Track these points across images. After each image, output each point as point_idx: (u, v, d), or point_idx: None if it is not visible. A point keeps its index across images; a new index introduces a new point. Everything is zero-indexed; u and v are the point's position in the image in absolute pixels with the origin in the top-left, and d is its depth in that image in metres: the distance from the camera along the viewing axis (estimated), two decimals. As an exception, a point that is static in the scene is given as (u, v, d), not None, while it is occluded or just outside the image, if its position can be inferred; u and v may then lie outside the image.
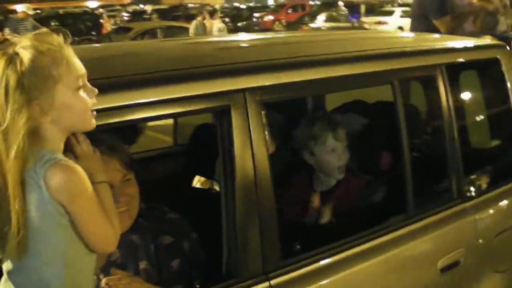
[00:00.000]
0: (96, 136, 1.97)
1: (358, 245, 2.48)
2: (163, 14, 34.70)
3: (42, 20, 20.94)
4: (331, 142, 2.96)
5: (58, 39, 1.68)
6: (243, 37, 3.86)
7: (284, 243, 2.24)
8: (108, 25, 26.41)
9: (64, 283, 1.69)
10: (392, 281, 2.58)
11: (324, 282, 2.30)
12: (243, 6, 48.67)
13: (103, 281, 2.00)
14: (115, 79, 2.02)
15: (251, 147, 2.15)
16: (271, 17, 34.39)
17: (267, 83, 2.20)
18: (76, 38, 21.46)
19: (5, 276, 1.74)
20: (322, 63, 2.39)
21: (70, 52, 1.68)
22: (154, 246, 2.27)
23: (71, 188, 1.63)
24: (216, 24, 16.20)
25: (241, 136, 2.13)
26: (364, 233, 2.54)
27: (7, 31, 11.97)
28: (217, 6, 49.22)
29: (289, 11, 35.79)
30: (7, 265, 1.73)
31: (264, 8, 43.13)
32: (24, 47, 1.62)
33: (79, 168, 1.66)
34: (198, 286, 2.18)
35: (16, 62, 1.60)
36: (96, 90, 1.71)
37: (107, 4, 54.02)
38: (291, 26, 26.99)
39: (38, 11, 34.36)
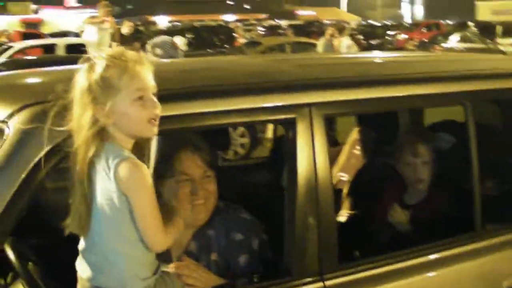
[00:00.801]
0: (185, 136, 2.40)
1: (419, 256, 2.59)
2: (298, 29, 35.10)
3: (178, 32, 21.92)
4: (408, 157, 3.10)
5: (132, 55, 1.97)
6: (329, 56, 4.04)
7: (342, 247, 2.40)
8: (241, 39, 27.14)
9: (125, 264, 1.97)
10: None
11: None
12: (378, 24, 48.43)
13: (171, 265, 2.25)
14: (194, 89, 2.29)
15: (313, 157, 2.34)
16: (404, 36, 34.05)
17: (330, 99, 2.40)
18: (209, 50, 22.31)
19: (80, 254, 2.05)
20: (383, 83, 2.55)
21: (138, 68, 1.95)
22: (226, 241, 2.51)
23: (135, 182, 1.91)
24: (344, 41, 16.29)
25: (305, 146, 2.33)
26: (428, 246, 2.65)
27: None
28: (353, 24, 49.35)
29: (424, 30, 35.35)
30: (81, 244, 2.04)
31: (398, 26, 42.73)
32: (101, 58, 1.94)
33: (144, 167, 1.94)
34: (257, 280, 2.38)
35: (91, 69, 1.93)
36: (157, 103, 1.96)
37: (243, 19, 55.52)
38: (423, 45, 26.62)
39: (177, 23, 35.87)
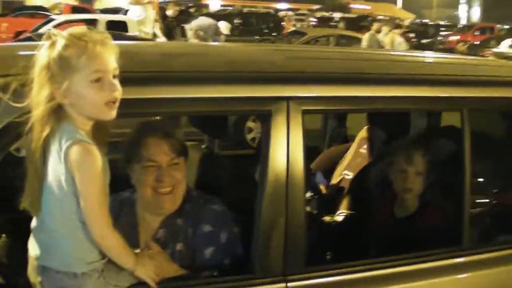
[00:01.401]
0: (154, 122, 2.34)
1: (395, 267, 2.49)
2: (350, 23, 34.64)
3: (224, 16, 21.89)
4: (401, 165, 2.98)
5: (94, 36, 1.92)
6: (330, 50, 3.93)
7: (309, 249, 2.31)
8: (289, 28, 26.96)
9: (71, 246, 1.94)
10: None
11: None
12: (431, 23, 47.66)
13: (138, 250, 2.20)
14: (171, 74, 2.23)
15: (287, 151, 2.25)
16: (456, 37, 33.47)
17: (309, 94, 2.30)
18: (256, 37, 22.24)
19: (31, 233, 2.01)
20: (367, 81, 2.44)
21: (99, 49, 1.89)
22: (193, 232, 2.45)
23: (83, 166, 1.87)
24: (390, 37, 16.03)
25: (279, 140, 2.25)
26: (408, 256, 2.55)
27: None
28: (406, 21, 48.64)
29: (476, 33, 34.66)
30: (33, 223, 2.01)
31: (452, 27, 41.98)
32: (62, 37, 1.89)
33: (95, 151, 1.89)
34: (217, 274, 2.32)
35: (52, 47, 1.89)
36: (116, 86, 1.90)
37: (296, 8, 55.14)
38: (473, 48, 26.13)
39: (227, 8, 35.81)
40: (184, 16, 19.11)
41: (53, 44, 1.89)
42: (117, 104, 1.92)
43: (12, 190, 2.28)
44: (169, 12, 15.28)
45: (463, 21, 70.23)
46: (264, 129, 2.28)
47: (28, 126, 1.89)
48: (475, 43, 28.92)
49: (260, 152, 2.30)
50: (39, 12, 31.36)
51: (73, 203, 1.90)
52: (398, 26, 18.09)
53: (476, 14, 79.33)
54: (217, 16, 20.03)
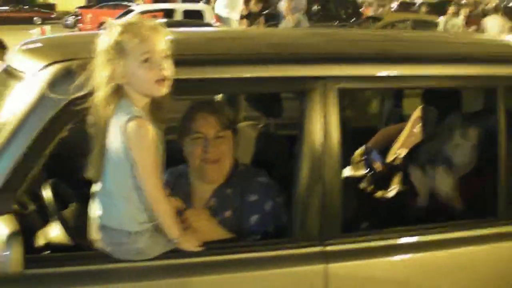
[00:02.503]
0: (205, 99, 2.75)
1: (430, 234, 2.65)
2: (432, 7, 33.95)
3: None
4: (456, 138, 3.12)
5: (147, 23, 2.19)
6: (369, 32, 4.05)
7: (345, 217, 2.51)
8: (368, 13, 26.80)
9: (126, 207, 2.21)
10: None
11: (378, 260, 2.54)
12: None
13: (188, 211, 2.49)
14: (217, 56, 2.48)
15: (324, 126, 2.46)
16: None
17: (345, 74, 2.50)
18: (334, 23, 22.21)
19: (92, 197, 2.31)
20: (398, 61, 2.62)
21: (149, 33, 2.15)
22: (241, 201, 2.69)
23: (138, 139, 2.13)
24: (491, 21, 15.46)
25: (316, 116, 2.45)
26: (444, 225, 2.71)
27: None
28: (493, 3, 47.21)
29: None
30: (94, 187, 2.30)
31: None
32: (118, 25, 2.17)
33: (148, 127, 2.15)
34: (260, 238, 2.54)
35: (110, 34, 2.16)
36: (164, 65, 2.15)
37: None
38: None
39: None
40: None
41: (110, 32, 2.16)
42: (167, 81, 2.17)
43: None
44: (253, 7, 15.25)
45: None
46: (303, 106, 2.48)
47: (93, 105, 2.16)
48: None
49: (299, 127, 2.50)
50: (122, 3, 32.33)
51: (128, 170, 2.17)
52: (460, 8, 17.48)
53: None
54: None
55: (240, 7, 12.47)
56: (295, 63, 2.48)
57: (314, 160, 2.45)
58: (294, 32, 3.58)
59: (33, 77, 2.28)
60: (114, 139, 2.17)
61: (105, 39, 2.16)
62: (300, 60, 2.50)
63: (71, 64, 2.24)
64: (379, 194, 3.75)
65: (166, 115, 2.31)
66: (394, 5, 38.17)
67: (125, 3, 32.15)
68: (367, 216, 3.04)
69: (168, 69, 2.17)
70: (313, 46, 2.79)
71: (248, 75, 2.42)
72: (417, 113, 4.20)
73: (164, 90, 2.18)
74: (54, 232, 2.62)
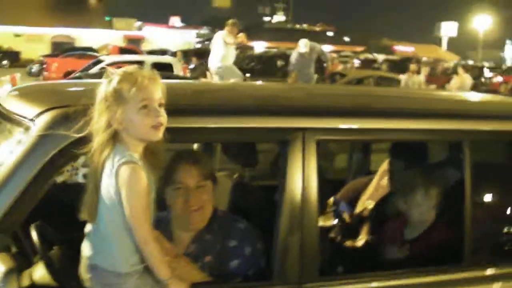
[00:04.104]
0: (185, 149, 2.66)
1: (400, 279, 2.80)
2: (393, 65, 34.83)
3: (270, 58, 22.39)
4: (420, 199, 3.30)
5: (144, 72, 2.34)
6: (346, 88, 4.27)
7: (324, 261, 2.65)
8: (335, 69, 27.38)
9: (118, 249, 2.31)
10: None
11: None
12: (475, 65, 47.57)
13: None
14: (200, 107, 2.63)
15: (303, 175, 2.61)
16: (500, 79, 33.42)
17: (324, 126, 2.67)
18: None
19: (85, 237, 2.41)
20: (374, 115, 2.81)
21: (147, 82, 2.30)
22: (220, 246, 2.81)
23: (127, 184, 2.24)
24: (419, 78, 16.43)
25: (296, 165, 2.61)
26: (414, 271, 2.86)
27: None
28: (451, 63, 48.64)
29: (520, 74, 34.58)
30: (87, 228, 2.40)
31: (496, 68, 41.92)
32: (117, 74, 2.32)
33: (140, 172, 2.27)
34: (239, 281, 2.66)
35: (109, 82, 2.31)
36: (160, 112, 2.30)
37: (340, 50, 55.77)
38: (516, 90, 26.05)
39: (271, 50, 36.40)
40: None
41: (110, 80, 2.31)
42: (162, 128, 2.32)
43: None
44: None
45: (508, 63, 69.83)
46: (283, 156, 2.64)
47: (91, 150, 2.29)
48: (517, 84, 28.81)
49: (279, 176, 2.65)
50: (87, 53, 32.51)
51: (120, 213, 2.28)
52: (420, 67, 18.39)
53: (521, 55, 78.74)
54: (262, 58, 20.54)
55: (232, 59, 12.88)
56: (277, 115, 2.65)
57: (294, 207, 2.60)
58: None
59: (32, 121, 2.40)
60: (107, 181, 2.28)
61: (104, 88, 2.31)
62: (282, 112, 2.67)
63: (68, 110, 2.37)
64: (348, 243, 3.91)
65: (161, 161, 2.45)
66: (357, 61, 39.13)
67: (90, 53, 32.38)
68: (339, 262, 3.20)
69: (164, 116, 2.32)
70: (294, 99, 2.97)
71: (232, 125, 2.57)
72: (384, 166, 4.41)
73: (160, 135, 2.32)
74: (39, 273, 2.71)
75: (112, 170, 2.26)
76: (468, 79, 15.88)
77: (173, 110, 2.42)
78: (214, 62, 12.77)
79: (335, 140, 2.92)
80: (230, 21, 12.73)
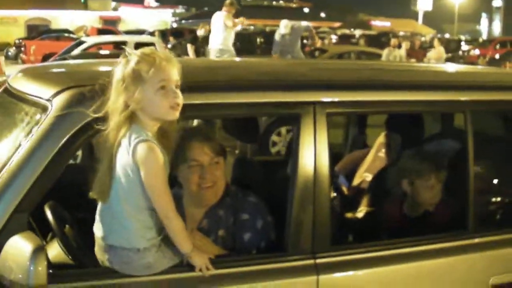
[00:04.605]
0: (197, 127, 2.68)
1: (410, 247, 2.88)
2: (371, 40, 34.95)
3: (248, 36, 22.37)
4: (433, 182, 3.36)
5: (161, 53, 2.36)
6: (348, 62, 4.33)
7: (334, 232, 2.72)
8: (316, 45, 27.39)
9: (134, 226, 2.36)
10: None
11: (368, 271, 2.74)
12: (452, 38, 47.90)
13: None
14: (213, 83, 2.68)
15: (314, 147, 2.68)
16: (477, 51, 33.69)
17: (333, 99, 2.73)
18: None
19: (97, 218, 2.44)
20: (381, 87, 2.88)
21: (164, 63, 2.33)
22: (233, 220, 2.87)
23: (147, 162, 2.29)
24: (400, 52, 16.61)
25: (307, 137, 2.67)
26: (421, 239, 2.94)
27: None
28: (427, 36, 48.91)
29: (497, 46, 34.83)
30: (99, 209, 2.44)
31: (473, 41, 42.21)
32: (135, 55, 2.34)
33: (157, 150, 2.31)
34: (255, 253, 2.73)
35: (126, 63, 2.33)
36: (178, 93, 2.34)
37: (317, 26, 55.72)
38: (494, 62, 26.34)
39: (249, 27, 36.31)
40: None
41: (127, 61, 2.33)
42: (179, 108, 2.35)
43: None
44: (200, 32, 15.69)
45: (484, 35, 70.26)
46: (295, 129, 2.69)
47: (107, 129, 2.32)
48: (495, 56, 29.13)
49: (291, 148, 2.71)
50: (64, 35, 32.21)
51: (136, 190, 2.32)
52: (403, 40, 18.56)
53: (497, 28, 79.29)
54: (242, 35, 20.49)
55: (231, 42, 12.88)
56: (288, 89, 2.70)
57: (307, 180, 2.66)
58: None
59: (49, 101, 2.43)
60: (123, 160, 2.31)
61: (121, 68, 2.33)
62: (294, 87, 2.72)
63: (85, 89, 2.40)
64: (349, 215, 3.99)
65: (172, 143, 2.49)
66: (334, 37, 39.15)
67: (67, 35, 32.09)
68: (346, 232, 3.28)
69: (181, 97, 2.35)
70: (304, 74, 3.03)
71: (245, 100, 2.62)
72: (380, 139, 4.48)
73: (177, 114, 2.36)
74: (53, 252, 2.75)
75: (129, 148, 2.29)
76: (443, 51, 16.09)
77: (187, 86, 2.46)
78: (214, 44, 12.72)
79: (344, 113, 2.95)
80: (228, 1, 12.67)
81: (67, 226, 2.99)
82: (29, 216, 2.36)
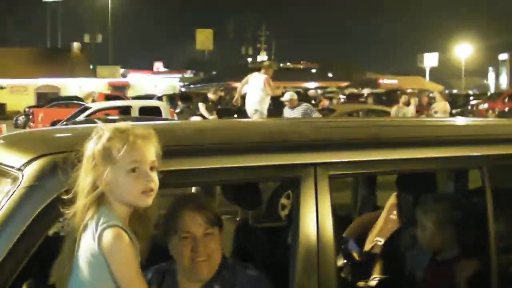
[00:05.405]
0: (187, 194, 2.42)
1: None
2: (379, 97, 35.02)
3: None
4: (429, 225, 3.12)
5: (137, 130, 2.12)
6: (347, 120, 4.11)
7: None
8: (324, 105, 27.49)
9: None
10: None
11: None
12: (460, 93, 48.06)
13: None
14: (201, 147, 2.45)
15: (316, 213, 2.43)
16: (486, 105, 33.65)
17: (335, 160, 2.48)
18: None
19: None
20: (387, 145, 2.64)
21: (139, 142, 2.09)
22: (232, 296, 2.58)
23: (113, 251, 2.03)
24: (409, 109, 16.42)
25: (308, 204, 2.41)
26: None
27: None
28: (435, 92, 48.98)
29: (506, 100, 34.74)
30: None
31: (481, 95, 42.28)
32: (107, 130, 2.10)
33: (125, 238, 2.06)
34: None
35: (99, 138, 2.10)
36: (152, 177, 2.08)
37: (324, 86, 56.15)
38: (503, 115, 26.28)
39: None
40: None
41: (100, 136, 2.10)
42: (152, 194, 2.10)
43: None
44: (212, 96, 15.76)
45: (492, 89, 70.56)
46: (295, 194, 2.45)
47: (72, 210, 2.08)
48: (505, 110, 29.06)
49: (291, 215, 2.45)
50: (73, 101, 32.47)
51: (101, 277, 2.05)
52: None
53: (504, 81, 79.64)
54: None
55: (267, 105, 12.78)
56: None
57: (310, 247, 2.41)
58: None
59: (20, 171, 2.21)
60: (87, 245, 2.06)
61: (92, 145, 2.10)
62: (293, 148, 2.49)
63: (57, 158, 2.18)
64: (360, 284, 3.70)
65: (148, 230, 2.24)
66: (342, 96, 39.40)
67: (76, 101, 32.30)
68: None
69: (155, 181, 2.11)
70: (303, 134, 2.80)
71: (240, 164, 2.39)
72: (392, 200, 4.22)
73: (149, 201, 2.11)
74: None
75: (95, 234, 2.05)
76: (447, 105, 15.98)
77: (173, 151, 2.23)
78: (251, 104, 12.62)
79: (349, 175, 2.71)
80: (266, 63, 12.61)
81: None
82: None
